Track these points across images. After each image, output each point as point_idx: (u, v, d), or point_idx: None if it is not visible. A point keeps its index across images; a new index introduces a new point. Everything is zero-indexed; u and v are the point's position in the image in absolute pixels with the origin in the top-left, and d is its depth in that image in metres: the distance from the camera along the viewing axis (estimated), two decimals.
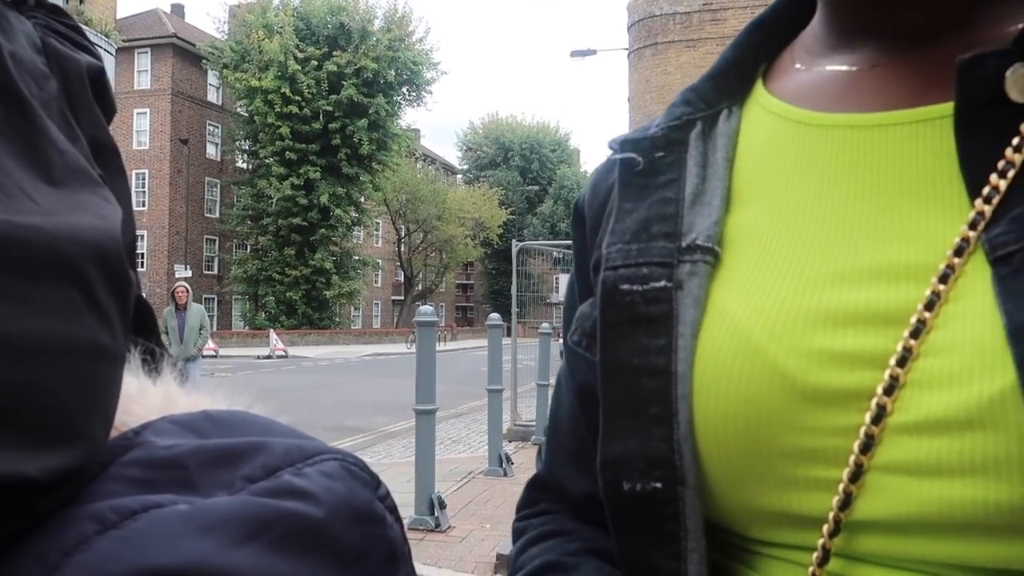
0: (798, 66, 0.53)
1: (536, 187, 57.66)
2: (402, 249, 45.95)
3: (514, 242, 8.76)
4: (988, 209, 0.39)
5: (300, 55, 33.82)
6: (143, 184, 36.16)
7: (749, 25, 0.56)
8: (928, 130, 0.43)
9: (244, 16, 34.69)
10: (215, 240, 39.02)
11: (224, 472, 0.29)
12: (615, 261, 0.49)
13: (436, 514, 5.02)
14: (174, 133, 36.66)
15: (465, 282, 64.94)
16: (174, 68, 36.86)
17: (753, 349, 0.42)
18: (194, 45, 36.64)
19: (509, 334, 8.74)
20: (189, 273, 29.87)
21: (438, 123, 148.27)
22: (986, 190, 0.39)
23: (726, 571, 0.47)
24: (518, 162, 59.20)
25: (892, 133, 0.44)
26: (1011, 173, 0.39)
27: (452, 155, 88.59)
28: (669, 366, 0.45)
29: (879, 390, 0.38)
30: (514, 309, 8.58)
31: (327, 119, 34.42)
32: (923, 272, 0.40)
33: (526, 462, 7.10)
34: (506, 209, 50.03)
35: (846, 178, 0.45)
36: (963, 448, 0.36)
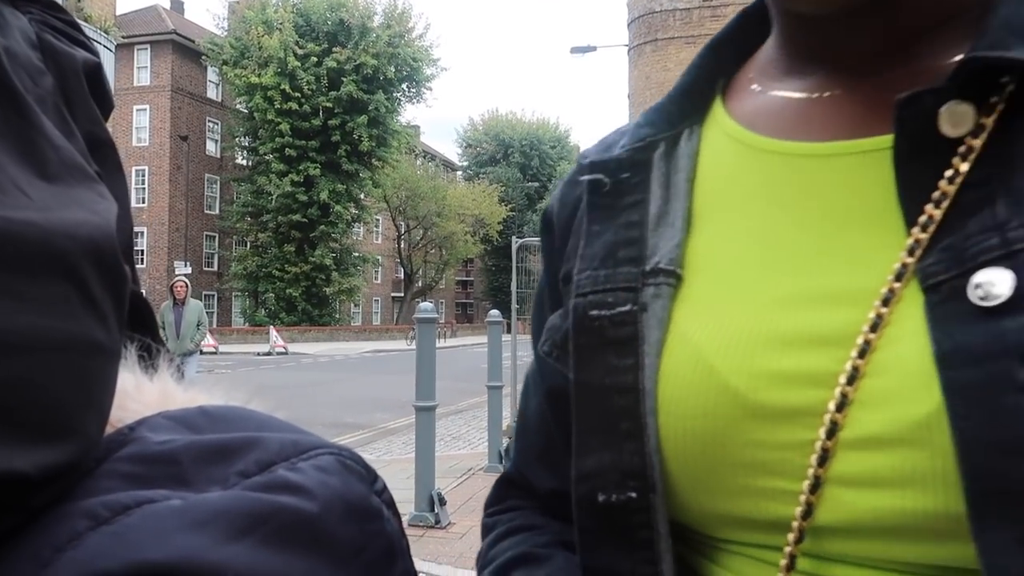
0: (755, 87, 0.55)
1: (536, 184, 57.51)
2: (402, 246, 45.89)
3: (514, 239, 8.74)
4: (924, 237, 0.41)
5: (300, 51, 33.73)
6: (143, 181, 36.13)
7: (706, 46, 0.59)
8: (870, 161, 0.45)
9: (244, 12, 34.63)
10: (215, 237, 38.97)
11: (218, 467, 0.28)
12: (585, 288, 0.52)
13: (436, 510, 5.02)
14: (174, 130, 36.62)
15: (465, 279, 64.96)
16: (174, 64, 36.80)
17: (708, 369, 0.45)
18: (194, 41, 36.56)
19: (509, 331, 8.72)
20: (189, 270, 29.89)
21: (438, 120, 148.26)
22: (922, 219, 0.41)
23: (698, 568, 0.49)
24: (518, 159, 59.13)
25: (838, 163, 0.47)
26: (945, 204, 0.41)
27: (452, 151, 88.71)
28: (637, 384, 0.47)
29: (831, 407, 0.41)
30: (514, 306, 8.57)
31: (327, 115, 34.35)
32: (864, 296, 0.42)
33: None
34: (506, 206, 49.96)
35: (796, 205, 0.47)
36: (894, 463, 0.39)
